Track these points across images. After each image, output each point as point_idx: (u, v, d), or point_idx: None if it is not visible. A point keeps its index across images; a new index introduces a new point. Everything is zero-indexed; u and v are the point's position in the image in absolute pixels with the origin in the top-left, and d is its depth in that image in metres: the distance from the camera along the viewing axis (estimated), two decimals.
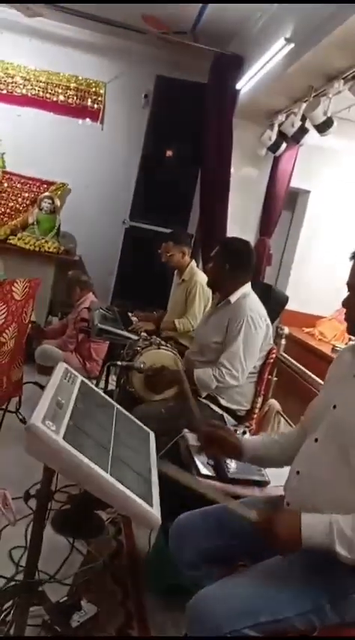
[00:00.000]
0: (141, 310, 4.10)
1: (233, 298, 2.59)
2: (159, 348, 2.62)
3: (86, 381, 1.63)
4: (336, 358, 1.68)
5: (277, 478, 1.91)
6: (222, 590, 1.36)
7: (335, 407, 1.47)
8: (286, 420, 2.85)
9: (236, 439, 1.67)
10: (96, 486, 1.23)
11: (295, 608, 1.30)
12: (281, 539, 1.30)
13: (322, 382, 2.40)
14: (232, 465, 2.05)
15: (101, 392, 1.73)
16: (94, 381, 3.29)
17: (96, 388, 1.69)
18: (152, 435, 1.70)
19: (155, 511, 1.26)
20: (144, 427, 1.72)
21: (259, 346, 2.53)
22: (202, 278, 3.76)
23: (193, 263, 3.88)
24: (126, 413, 1.70)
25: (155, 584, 2.11)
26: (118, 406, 1.69)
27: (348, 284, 1.48)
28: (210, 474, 2.02)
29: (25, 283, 3.12)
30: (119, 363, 2.56)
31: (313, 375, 2.77)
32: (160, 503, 1.35)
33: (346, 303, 1.49)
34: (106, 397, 1.70)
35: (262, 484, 2.00)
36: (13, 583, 1.65)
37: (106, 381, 3.48)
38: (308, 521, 1.29)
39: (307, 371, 2.86)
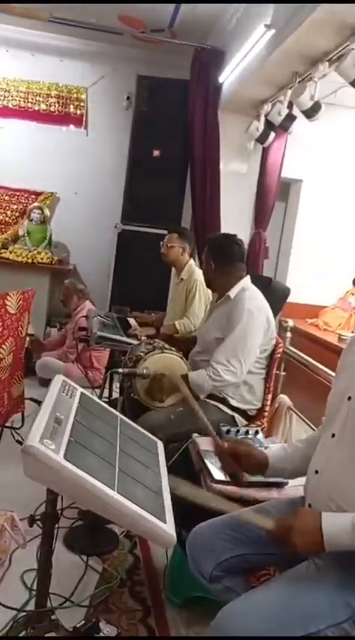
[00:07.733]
0: (140, 312, 4.02)
1: (232, 293, 2.52)
2: (162, 352, 2.52)
3: (86, 392, 1.54)
4: (346, 347, 1.59)
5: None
6: (247, 605, 1.27)
7: (350, 398, 1.39)
8: (298, 415, 2.76)
9: (261, 453, 1.57)
10: (103, 506, 1.14)
11: (329, 618, 1.21)
12: (301, 548, 1.23)
13: (332, 373, 2.32)
14: None
15: (103, 403, 1.64)
16: (98, 390, 3.21)
17: (97, 399, 1.61)
18: (160, 444, 1.61)
19: (169, 528, 1.17)
20: (151, 436, 1.63)
21: (259, 340, 2.43)
22: (201, 276, 3.67)
23: (192, 261, 3.79)
24: (131, 423, 1.61)
25: (176, 597, 2.02)
26: (122, 416, 1.60)
27: None
28: (224, 478, 1.92)
29: (19, 295, 3.04)
30: (120, 370, 2.46)
31: (322, 367, 2.68)
32: (174, 514, 1.26)
33: None
34: (109, 408, 1.61)
35: (280, 485, 1.90)
36: (24, 613, 1.55)
37: (110, 390, 3.39)
38: (329, 522, 1.22)
39: (316, 363, 2.77)
